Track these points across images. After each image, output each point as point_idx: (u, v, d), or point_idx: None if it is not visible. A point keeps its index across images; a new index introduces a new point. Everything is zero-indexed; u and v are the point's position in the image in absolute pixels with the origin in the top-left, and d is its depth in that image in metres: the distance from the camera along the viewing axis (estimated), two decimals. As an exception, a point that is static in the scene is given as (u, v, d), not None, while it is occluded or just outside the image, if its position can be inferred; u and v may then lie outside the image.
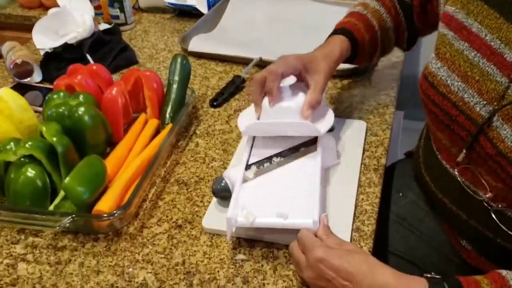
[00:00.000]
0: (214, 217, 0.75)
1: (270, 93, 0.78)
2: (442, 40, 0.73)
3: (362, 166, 0.85)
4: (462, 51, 0.68)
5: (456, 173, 0.73)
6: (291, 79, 0.79)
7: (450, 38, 0.71)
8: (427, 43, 1.57)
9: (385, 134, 0.93)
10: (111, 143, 0.89)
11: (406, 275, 0.60)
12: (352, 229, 0.73)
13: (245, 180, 0.76)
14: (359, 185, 0.81)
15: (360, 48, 0.89)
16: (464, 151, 0.70)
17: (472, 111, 0.67)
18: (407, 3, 0.91)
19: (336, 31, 0.89)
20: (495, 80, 0.64)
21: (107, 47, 1.23)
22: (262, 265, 0.69)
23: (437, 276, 0.60)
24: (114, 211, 0.71)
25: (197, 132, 0.96)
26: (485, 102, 0.65)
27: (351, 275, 0.59)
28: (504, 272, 0.59)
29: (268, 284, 0.66)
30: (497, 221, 0.69)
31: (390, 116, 0.98)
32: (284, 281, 0.66)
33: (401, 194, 0.93)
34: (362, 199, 0.78)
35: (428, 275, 0.60)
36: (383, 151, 0.88)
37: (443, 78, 0.71)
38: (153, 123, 0.93)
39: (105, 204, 0.73)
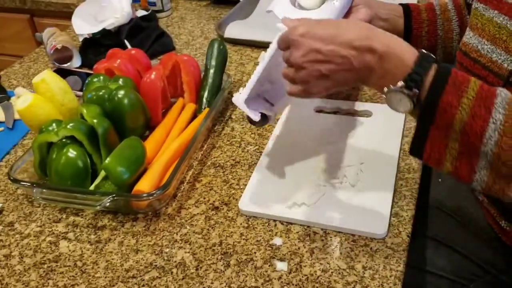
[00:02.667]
0: (250, 200, 0.75)
1: None
2: (474, 13, 0.75)
3: (401, 152, 0.83)
4: (492, 18, 0.70)
5: None
6: None
7: (481, 9, 0.73)
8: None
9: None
10: (150, 127, 0.90)
11: (401, 39, 0.61)
12: (391, 214, 0.72)
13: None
14: (398, 171, 0.79)
15: (414, 19, 0.92)
16: None
17: (500, 68, 0.68)
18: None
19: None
20: None
21: (144, 33, 1.24)
22: (299, 248, 0.69)
23: (432, 55, 0.59)
24: (153, 191, 0.72)
25: (233, 117, 0.96)
26: (511, 58, 0.66)
27: (337, 37, 0.59)
28: (500, 87, 0.58)
29: (305, 266, 0.66)
30: None
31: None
32: (321, 264, 0.66)
33: (440, 179, 0.91)
34: (401, 184, 0.77)
35: (423, 50, 0.60)
36: (422, 137, 0.87)
37: (474, 45, 0.72)
38: (191, 107, 0.94)
39: (144, 185, 0.74)
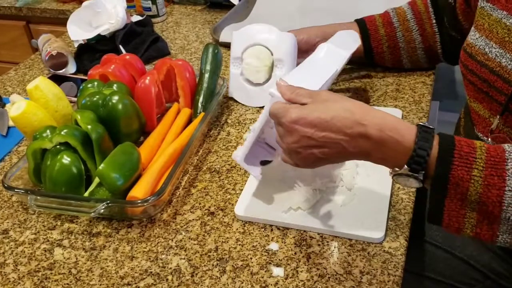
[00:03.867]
0: (246, 205, 0.75)
1: None
2: (481, 12, 0.74)
3: (397, 154, 0.83)
4: (500, 20, 0.69)
5: (490, 141, 0.73)
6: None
7: (488, 9, 0.72)
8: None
9: (421, 122, 0.90)
10: (145, 132, 0.90)
11: (396, 118, 0.59)
12: (388, 218, 0.71)
13: None
14: (394, 174, 0.79)
15: (372, 38, 0.95)
16: (498, 116, 0.70)
17: (510, 73, 0.67)
18: (446, 4, 0.90)
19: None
20: None
21: (139, 39, 1.24)
22: (295, 253, 0.68)
23: (431, 127, 0.58)
24: (148, 197, 0.71)
25: (229, 121, 0.96)
26: None
27: (329, 123, 0.58)
28: (507, 147, 0.56)
29: (301, 272, 0.65)
30: None
31: (427, 105, 0.95)
32: (318, 269, 0.66)
33: None
34: (398, 188, 0.77)
35: (421, 123, 0.59)
36: (419, 140, 0.86)
37: (481, 47, 0.71)
38: (186, 112, 0.93)
39: (139, 191, 0.73)
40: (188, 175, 0.83)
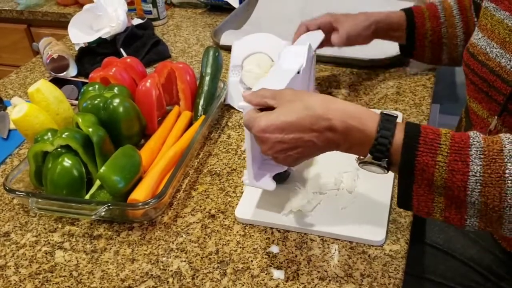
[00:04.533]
0: (246, 208, 0.75)
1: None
2: (484, 13, 0.74)
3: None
4: (503, 20, 0.69)
5: None
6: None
7: (492, 9, 0.72)
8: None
9: (386, 111, 0.90)
10: (145, 135, 0.90)
11: (358, 106, 0.61)
12: (389, 221, 0.71)
13: None
14: (396, 177, 0.79)
15: (417, 31, 0.93)
16: (496, 117, 0.70)
17: (508, 74, 0.67)
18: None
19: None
20: None
21: (140, 42, 1.24)
22: (296, 256, 0.68)
23: (394, 115, 0.60)
24: (149, 200, 0.71)
25: (229, 124, 0.96)
26: None
27: (295, 124, 0.59)
28: (472, 133, 0.57)
29: (302, 274, 0.66)
30: None
31: (428, 107, 0.96)
32: (318, 271, 0.66)
33: None
34: (398, 190, 0.77)
35: (385, 112, 0.60)
36: (419, 142, 0.86)
37: (482, 47, 0.72)
38: (186, 115, 0.93)
39: (140, 193, 0.73)
40: (188, 177, 0.83)
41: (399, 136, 0.58)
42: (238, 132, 0.93)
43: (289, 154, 0.61)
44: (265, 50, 0.98)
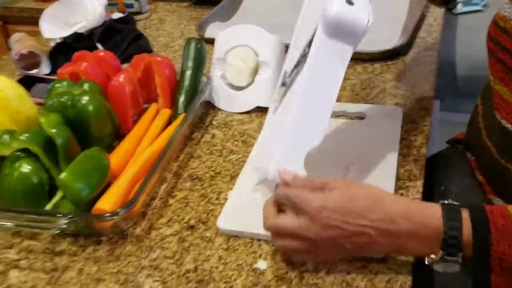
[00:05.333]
0: (230, 216, 0.66)
1: None
2: None
3: (400, 157, 0.74)
4: None
5: None
6: None
7: None
8: (463, 28, 1.45)
9: (424, 121, 0.82)
10: (119, 136, 0.81)
11: (418, 201, 0.57)
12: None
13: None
14: (398, 179, 0.70)
15: None
16: None
17: None
18: None
19: None
20: None
21: (119, 36, 1.15)
22: (287, 272, 0.59)
23: (455, 203, 0.54)
24: (118, 210, 0.62)
25: (214, 123, 0.87)
26: None
27: (359, 213, 0.54)
28: None
29: (293, 294, 0.57)
30: None
31: (430, 102, 0.87)
32: (312, 290, 0.57)
33: (443, 187, 0.82)
34: (402, 194, 0.68)
35: (446, 202, 0.55)
36: (423, 140, 0.78)
37: None
38: (165, 113, 0.84)
39: (107, 202, 0.64)
40: (166, 183, 0.74)
41: (466, 225, 0.52)
42: (224, 132, 0.84)
43: (342, 242, 0.54)
44: (250, 43, 0.89)
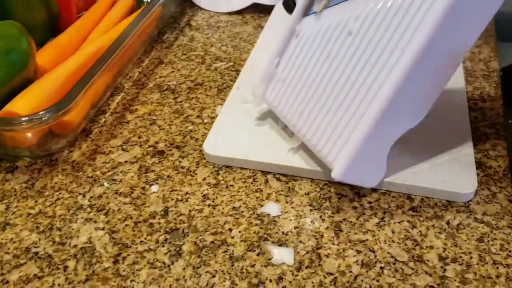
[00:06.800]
0: (222, 139, 0.43)
1: None
2: None
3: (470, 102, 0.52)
4: None
5: None
6: None
7: None
8: None
9: None
10: (58, 30, 0.56)
11: None
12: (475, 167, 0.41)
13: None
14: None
15: None
16: None
17: None
18: None
19: None
20: None
21: None
22: (313, 222, 0.37)
23: None
24: (41, 112, 0.38)
25: (192, 23, 0.63)
26: None
27: None
28: None
29: (326, 258, 0.35)
30: None
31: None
32: (356, 251, 0.35)
33: None
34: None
35: None
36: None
37: None
38: (125, 3, 0.60)
39: (24, 105, 0.40)
40: (123, 93, 0.51)
41: None
42: (207, 34, 0.61)
43: None
44: None
